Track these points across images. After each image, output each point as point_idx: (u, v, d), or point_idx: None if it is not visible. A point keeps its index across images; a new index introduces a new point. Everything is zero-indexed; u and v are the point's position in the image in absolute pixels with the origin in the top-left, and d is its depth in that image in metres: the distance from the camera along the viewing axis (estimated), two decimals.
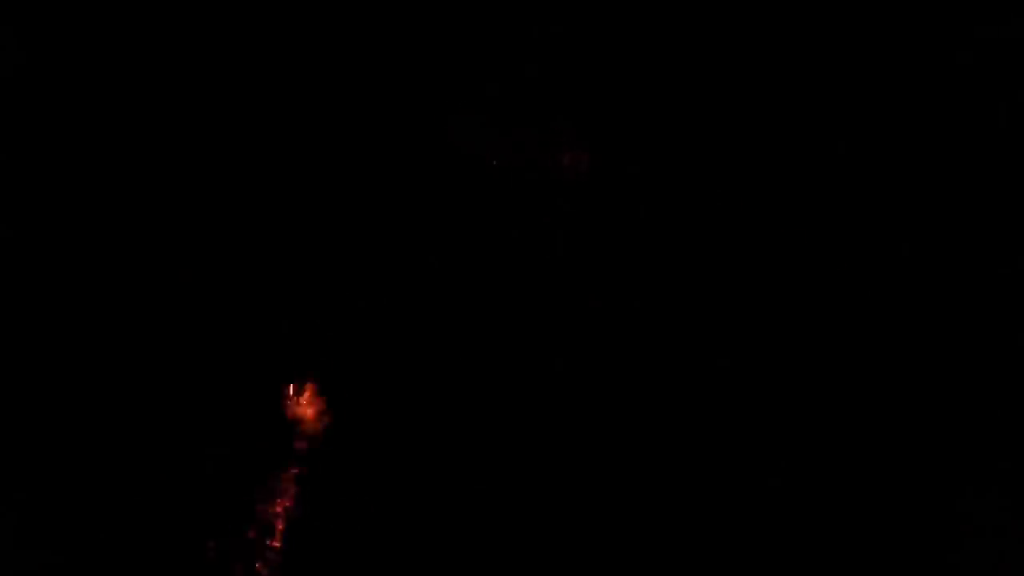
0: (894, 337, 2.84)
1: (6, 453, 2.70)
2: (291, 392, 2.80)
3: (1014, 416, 2.76)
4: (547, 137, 2.91)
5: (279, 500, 2.74)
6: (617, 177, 2.92)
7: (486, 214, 2.90)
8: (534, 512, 2.78)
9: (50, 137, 2.83)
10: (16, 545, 2.66)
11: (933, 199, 2.86)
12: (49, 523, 2.68)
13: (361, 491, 2.79)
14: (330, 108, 2.90)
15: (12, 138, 2.82)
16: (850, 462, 2.79)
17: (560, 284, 2.89)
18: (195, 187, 2.86)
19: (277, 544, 2.71)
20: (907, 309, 2.84)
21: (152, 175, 2.86)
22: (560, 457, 2.82)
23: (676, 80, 2.92)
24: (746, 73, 2.92)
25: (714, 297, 2.89)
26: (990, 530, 2.70)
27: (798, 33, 2.89)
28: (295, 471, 2.76)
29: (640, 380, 2.86)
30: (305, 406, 2.80)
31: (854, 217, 2.87)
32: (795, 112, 2.91)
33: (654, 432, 2.83)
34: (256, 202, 2.87)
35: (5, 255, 2.79)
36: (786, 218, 2.89)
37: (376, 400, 2.83)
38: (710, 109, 2.92)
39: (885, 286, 2.85)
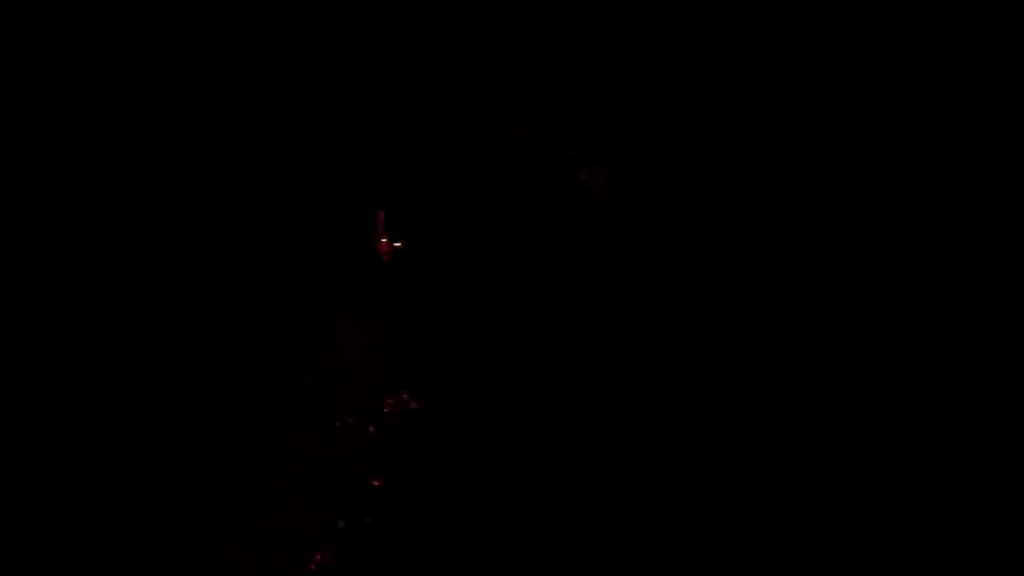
0: (894, 337, 2.84)
1: (16, 453, 2.71)
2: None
3: (1014, 416, 2.76)
4: (547, 137, 2.91)
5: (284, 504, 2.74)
6: (617, 178, 2.92)
7: (486, 214, 2.90)
8: (534, 512, 2.79)
9: (50, 137, 2.83)
10: (16, 545, 2.66)
11: (933, 199, 2.86)
12: (49, 523, 2.68)
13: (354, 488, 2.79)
14: (330, 108, 2.90)
15: (12, 138, 2.82)
16: (850, 462, 2.79)
17: (560, 284, 2.89)
18: (196, 187, 2.86)
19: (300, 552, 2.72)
20: (907, 309, 2.84)
21: (152, 176, 2.86)
22: (560, 456, 2.82)
23: (674, 80, 2.92)
24: (745, 73, 2.92)
25: (714, 297, 2.89)
26: (990, 530, 2.70)
27: (799, 33, 2.89)
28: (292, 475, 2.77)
29: (640, 379, 2.86)
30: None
31: (854, 217, 2.87)
32: (796, 112, 2.91)
33: (654, 432, 2.83)
34: (256, 202, 2.87)
35: (5, 255, 2.79)
36: (786, 216, 2.89)
37: (375, 398, 2.83)
38: (706, 108, 2.92)
39: (885, 286, 2.85)
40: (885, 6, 2.87)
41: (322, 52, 2.90)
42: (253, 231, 2.87)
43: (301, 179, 2.90)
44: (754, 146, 2.91)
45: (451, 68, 2.93)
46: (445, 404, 2.84)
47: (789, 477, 2.79)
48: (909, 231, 2.86)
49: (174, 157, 2.87)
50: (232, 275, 2.85)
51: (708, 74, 2.93)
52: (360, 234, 2.89)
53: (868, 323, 2.85)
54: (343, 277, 2.88)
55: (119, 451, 2.74)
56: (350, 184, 2.91)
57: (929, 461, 2.77)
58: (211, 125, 2.88)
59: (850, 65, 2.88)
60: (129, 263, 2.82)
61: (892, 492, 2.76)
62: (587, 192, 2.91)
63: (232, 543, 2.71)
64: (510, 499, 2.80)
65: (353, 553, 2.75)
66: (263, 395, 2.80)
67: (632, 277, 2.90)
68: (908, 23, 2.87)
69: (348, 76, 2.92)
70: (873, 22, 2.88)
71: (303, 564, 2.72)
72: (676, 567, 2.76)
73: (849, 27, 2.89)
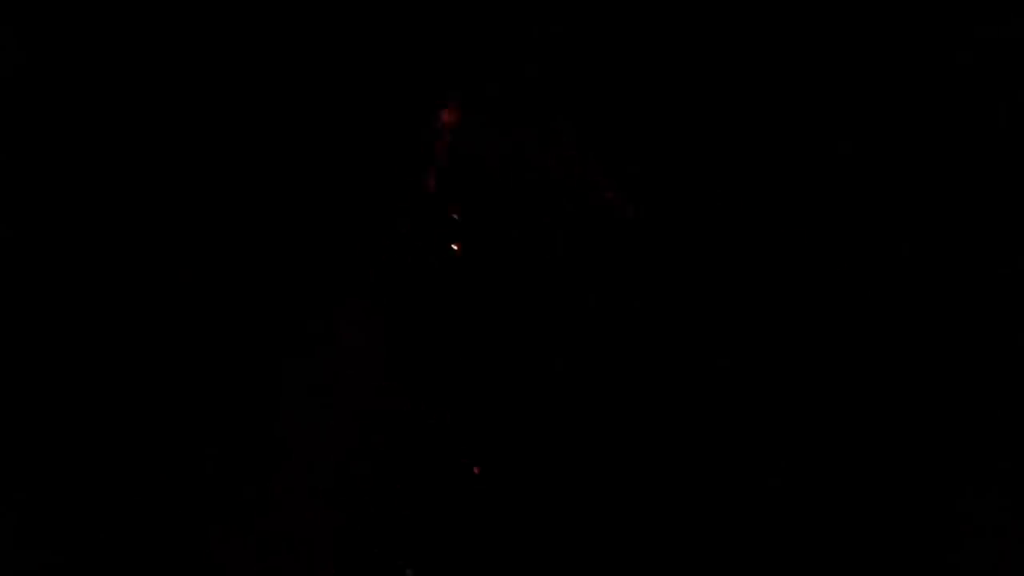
0: (894, 337, 2.84)
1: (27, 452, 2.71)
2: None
3: (1014, 416, 2.76)
4: (547, 137, 2.91)
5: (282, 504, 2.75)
6: (617, 178, 2.92)
7: (486, 213, 2.90)
8: (534, 511, 2.79)
9: (50, 137, 2.83)
10: (16, 545, 2.66)
11: (933, 199, 2.86)
12: (49, 523, 2.68)
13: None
14: (330, 108, 2.90)
15: (12, 138, 2.82)
16: (850, 462, 2.79)
17: (560, 284, 2.89)
18: (196, 188, 2.86)
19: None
20: (907, 309, 2.84)
21: (151, 176, 2.86)
22: (558, 456, 2.82)
23: (674, 80, 2.92)
24: (744, 72, 2.92)
25: (714, 296, 2.89)
26: (990, 530, 2.70)
27: (800, 32, 2.89)
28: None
29: (640, 379, 2.86)
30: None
31: (854, 217, 2.88)
32: (794, 113, 2.91)
33: (653, 432, 2.84)
34: (256, 203, 2.87)
35: (5, 255, 2.79)
36: (786, 216, 2.89)
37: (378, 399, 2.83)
38: (706, 108, 2.92)
39: (885, 286, 2.85)
40: (885, 6, 2.87)
41: (320, 51, 2.90)
42: (253, 231, 2.87)
43: (300, 179, 2.90)
44: (754, 145, 2.91)
45: (450, 67, 2.93)
46: (444, 403, 2.84)
47: (789, 477, 2.79)
48: (909, 231, 2.86)
49: (173, 157, 2.87)
50: (232, 275, 2.85)
51: (708, 73, 2.92)
52: (361, 233, 2.89)
53: (868, 323, 2.85)
54: (343, 277, 2.88)
55: (119, 451, 2.74)
56: (350, 183, 2.91)
57: (929, 461, 2.77)
58: (210, 125, 2.88)
59: (850, 65, 2.88)
60: (129, 263, 2.82)
61: (892, 492, 2.76)
62: (587, 192, 2.91)
63: (232, 543, 2.71)
64: (510, 499, 2.80)
65: (354, 553, 2.75)
66: (263, 395, 2.80)
67: (632, 277, 2.90)
68: (909, 23, 2.87)
69: (347, 76, 2.92)
70: (873, 22, 2.88)
71: (303, 564, 2.72)
72: (676, 567, 2.76)
73: (849, 27, 2.89)
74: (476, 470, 2.76)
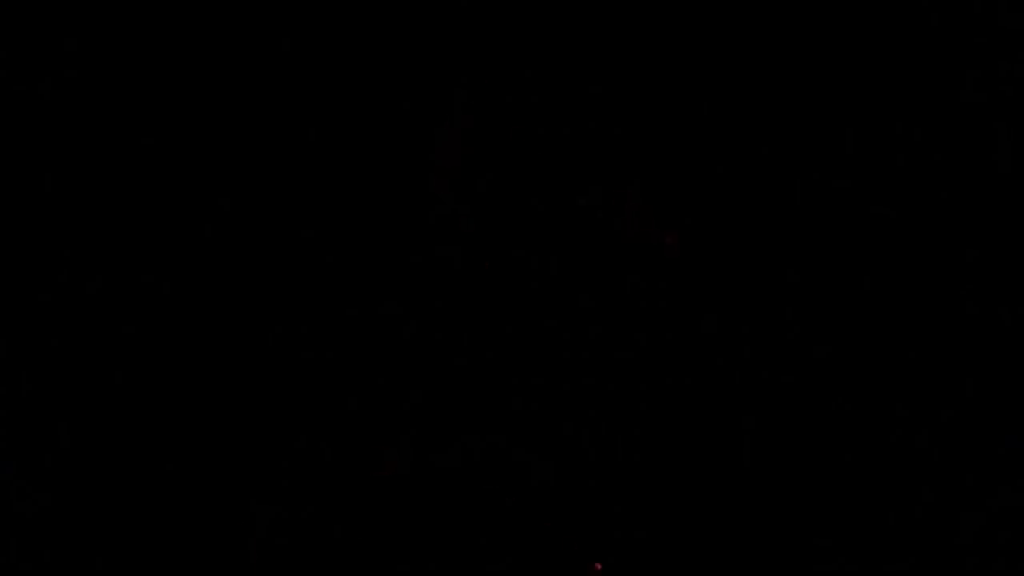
0: (894, 336, 2.85)
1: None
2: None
3: (1014, 416, 2.77)
4: (611, 189, 2.90)
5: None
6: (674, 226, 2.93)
7: (545, 266, 2.90)
8: (542, 517, 2.80)
9: (50, 137, 2.83)
10: (16, 542, 2.66)
11: (934, 200, 2.87)
12: (49, 522, 2.68)
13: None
14: (355, 120, 2.91)
15: (12, 138, 2.82)
16: (850, 462, 2.80)
17: (562, 287, 2.90)
18: (194, 188, 2.86)
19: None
20: (908, 309, 2.85)
21: (151, 177, 2.86)
22: (560, 458, 2.83)
23: (715, 112, 2.93)
24: (733, 65, 2.93)
25: (714, 296, 2.89)
26: (990, 530, 2.71)
27: (798, 35, 2.89)
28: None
29: (639, 379, 2.87)
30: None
31: (855, 217, 2.88)
32: (794, 112, 2.91)
33: (653, 432, 2.84)
34: (260, 205, 2.88)
35: (5, 255, 2.79)
36: (788, 215, 2.90)
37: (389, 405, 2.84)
38: (747, 142, 2.92)
39: (886, 285, 2.86)
40: (886, 7, 2.88)
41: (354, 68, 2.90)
42: (258, 232, 2.88)
43: (305, 183, 2.90)
44: (792, 178, 2.91)
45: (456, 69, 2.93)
46: (451, 408, 2.85)
47: (789, 477, 2.80)
48: (909, 231, 2.87)
49: (175, 160, 2.87)
50: (234, 271, 2.85)
51: (754, 112, 2.92)
52: (370, 240, 2.89)
53: (869, 323, 2.86)
54: (348, 277, 2.89)
55: (120, 450, 2.74)
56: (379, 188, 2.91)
57: (929, 461, 2.77)
58: (210, 125, 2.88)
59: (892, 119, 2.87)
60: (127, 264, 2.82)
61: (893, 492, 2.77)
62: (630, 226, 2.90)
63: (234, 542, 2.71)
64: (514, 502, 2.81)
65: (355, 553, 2.76)
66: (264, 394, 2.81)
67: (676, 312, 2.89)
68: (909, 23, 2.88)
69: (366, 87, 2.92)
70: (875, 24, 2.88)
71: (306, 564, 2.73)
72: (678, 568, 2.77)
73: (853, 30, 2.89)
74: (598, 566, 2.73)
